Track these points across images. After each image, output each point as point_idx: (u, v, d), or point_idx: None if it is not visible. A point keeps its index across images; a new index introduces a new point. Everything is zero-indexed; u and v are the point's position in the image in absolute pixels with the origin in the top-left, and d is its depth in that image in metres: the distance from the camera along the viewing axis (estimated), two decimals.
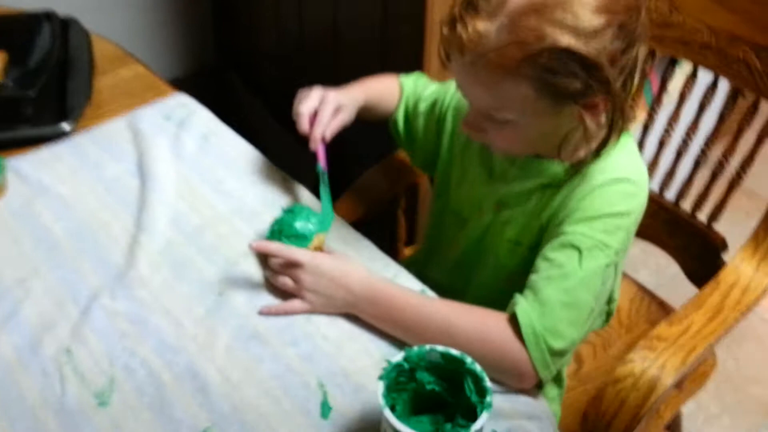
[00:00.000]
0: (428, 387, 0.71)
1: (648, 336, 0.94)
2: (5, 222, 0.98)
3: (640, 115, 1.18)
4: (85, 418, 0.75)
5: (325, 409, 0.76)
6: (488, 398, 0.65)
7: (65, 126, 1.12)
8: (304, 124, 0.94)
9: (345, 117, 0.96)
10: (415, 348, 0.69)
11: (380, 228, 1.13)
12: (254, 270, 0.91)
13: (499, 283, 0.95)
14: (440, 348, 0.69)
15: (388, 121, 1.08)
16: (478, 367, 0.67)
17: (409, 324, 0.82)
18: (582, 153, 0.84)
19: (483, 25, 0.73)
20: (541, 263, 0.81)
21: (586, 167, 0.83)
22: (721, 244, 1.17)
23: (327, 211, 0.94)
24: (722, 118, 1.13)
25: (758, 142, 1.09)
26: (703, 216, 1.19)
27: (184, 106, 1.18)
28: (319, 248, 0.90)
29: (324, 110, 0.94)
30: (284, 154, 1.25)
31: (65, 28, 1.27)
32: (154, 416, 0.76)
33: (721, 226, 1.17)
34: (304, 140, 0.95)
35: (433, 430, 0.71)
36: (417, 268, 1.00)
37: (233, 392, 0.78)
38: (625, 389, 0.89)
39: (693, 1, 1.07)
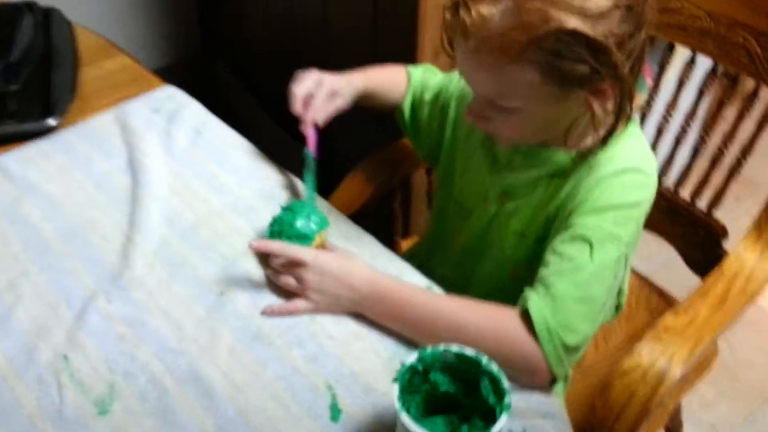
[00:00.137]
0: (442, 388, 0.69)
1: (654, 327, 0.93)
2: None
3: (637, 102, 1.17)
4: (85, 427, 0.72)
5: (335, 411, 0.74)
6: (507, 399, 0.63)
7: (51, 121, 1.08)
8: (297, 106, 0.92)
9: (340, 103, 0.94)
10: (429, 349, 0.67)
11: (374, 221, 1.11)
12: (254, 268, 0.88)
13: (503, 275, 0.93)
14: (455, 348, 0.67)
15: (394, 111, 1.06)
16: (494, 368, 0.66)
17: (417, 322, 0.79)
18: (589, 141, 0.82)
19: (487, 9, 0.71)
20: (551, 257, 0.79)
21: (593, 155, 0.81)
22: (722, 232, 1.17)
23: (310, 197, 0.92)
24: (721, 105, 1.12)
25: (759, 129, 1.08)
26: (702, 204, 1.18)
27: (174, 98, 1.15)
28: (322, 246, 0.87)
29: (319, 94, 0.92)
30: (273, 145, 1.22)
31: (47, 18, 1.23)
32: (157, 423, 0.73)
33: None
34: (295, 130, 0.93)
35: (449, 431, 0.69)
36: (419, 260, 0.98)
37: (238, 396, 0.75)
38: (633, 382, 0.88)
39: None
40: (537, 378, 0.77)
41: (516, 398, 0.75)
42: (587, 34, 0.70)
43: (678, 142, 1.19)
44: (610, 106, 0.78)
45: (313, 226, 0.86)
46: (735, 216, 1.20)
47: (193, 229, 0.94)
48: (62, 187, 0.99)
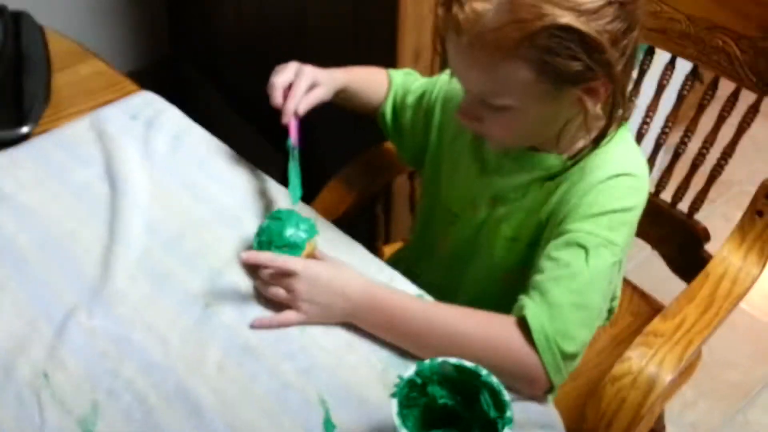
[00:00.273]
0: (441, 401, 0.68)
1: (643, 332, 0.93)
2: None
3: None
4: None
5: (329, 426, 0.72)
6: (509, 413, 0.62)
7: (24, 129, 1.04)
8: (277, 97, 0.90)
9: (321, 93, 0.92)
10: (427, 361, 0.66)
11: (355, 226, 1.09)
12: (241, 279, 0.86)
13: (493, 280, 0.92)
14: (453, 360, 0.66)
15: (375, 114, 1.05)
16: (494, 380, 0.65)
17: (412, 331, 0.78)
18: (581, 144, 0.82)
19: (481, 5, 0.71)
20: (545, 262, 0.78)
21: (584, 157, 0.81)
22: (703, 235, 1.17)
23: (295, 187, 0.90)
24: (701, 108, 1.13)
25: (739, 132, 1.09)
26: (683, 206, 1.19)
27: (151, 104, 1.12)
28: (312, 255, 0.86)
29: (299, 83, 0.90)
30: (247, 147, 1.20)
31: (17, 23, 1.19)
32: None
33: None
34: (269, 132, 0.91)
35: None
36: (404, 266, 0.96)
37: (229, 412, 0.73)
38: (624, 388, 0.88)
39: None
40: (535, 387, 0.76)
41: (514, 409, 0.74)
42: (581, 30, 0.70)
43: (658, 145, 1.19)
44: (602, 106, 0.78)
45: (303, 235, 0.85)
46: (707, 215, 1.20)
47: (177, 239, 0.91)
48: (38, 197, 0.96)
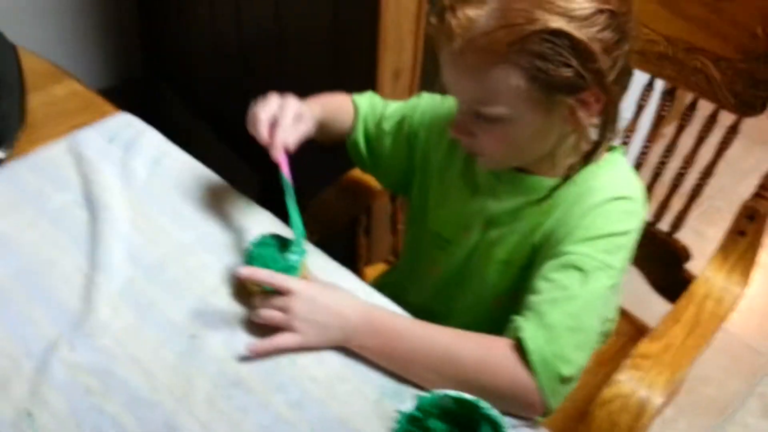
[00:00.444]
0: None
1: (631, 354, 0.93)
2: None
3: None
4: None
5: None
6: None
7: None
8: (263, 132, 0.84)
9: (306, 126, 0.88)
10: (427, 395, 0.65)
11: (335, 249, 1.08)
12: (228, 306, 0.84)
13: (485, 305, 0.92)
14: (453, 393, 0.65)
15: (345, 143, 1.03)
16: (494, 412, 0.64)
17: (410, 353, 0.77)
18: (572, 160, 0.82)
19: (473, 12, 0.72)
20: (541, 283, 0.78)
21: (576, 173, 0.81)
22: (684, 254, 1.18)
23: (298, 226, 0.87)
24: (681, 129, 1.14)
25: (719, 152, 1.10)
26: (664, 225, 1.20)
27: (129, 126, 1.09)
28: (304, 277, 0.84)
29: (285, 116, 0.85)
30: (220, 166, 1.18)
31: None
32: None
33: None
34: (248, 155, 0.88)
35: None
36: (392, 291, 0.95)
37: None
38: (615, 411, 0.88)
39: (648, 10, 1.06)
40: (531, 410, 0.75)
41: None
42: (572, 35, 0.70)
43: (639, 165, 1.20)
44: (595, 119, 0.78)
45: (296, 257, 0.83)
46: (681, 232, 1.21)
47: (159, 267, 0.89)
48: (13, 225, 0.93)
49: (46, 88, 1.15)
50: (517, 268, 0.86)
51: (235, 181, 1.04)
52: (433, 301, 0.97)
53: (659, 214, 1.20)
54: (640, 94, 1.17)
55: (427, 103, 0.99)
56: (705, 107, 1.09)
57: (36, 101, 1.12)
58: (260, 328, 0.81)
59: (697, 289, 1.03)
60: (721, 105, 1.07)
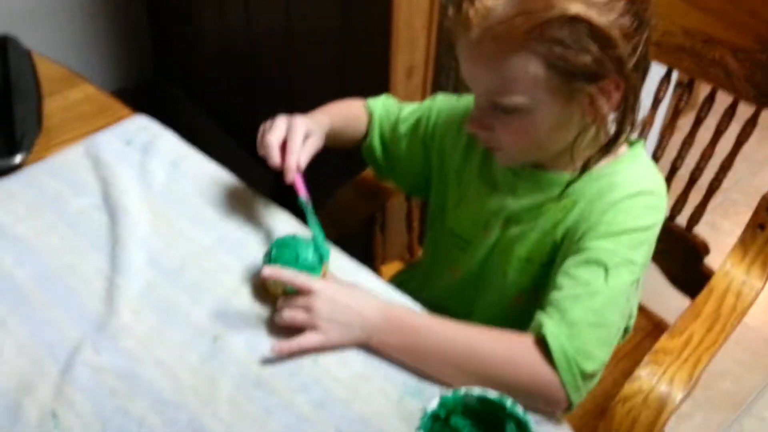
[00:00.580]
0: None
1: (652, 350, 0.93)
2: None
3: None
4: None
5: None
6: None
7: (17, 158, 1.01)
8: (275, 156, 0.86)
9: (316, 142, 0.90)
10: (451, 393, 0.65)
11: (351, 248, 1.08)
12: (249, 308, 0.85)
13: (506, 302, 0.92)
14: (477, 391, 0.65)
15: (360, 148, 1.03)
16: (520, 411, 0.64)
17: (432, 350, 0.77)
18: (590, 152, 0.81)
19: (490, 0, 0.71)
20: (563, 280, 0.78)
21: (595, 163, 0.80)
22: (703, 249, 1.18)
23: (321, 241, 0.88)
24: (699, 120, 1.13)
25: (737, 145, 1.10)
26: (682, 220, 1.19)
27: (146, 129, 1.10)
28: (326, 277, 0.85)
29: (294, 138, 0.87)
30: (233, 166, 1.18)
31: (4, 48, 1.16)
32: None
33: None
34: (255, 146, 0.89)
35: None
36: (411, 290, 0.95)
37: None
38: (635, 407, 0.88)
39: (666, 2, 1.05)
40: (554, 406, 0.75)
41: None
42: (591, 21, 0.70)
43: (656, 158, 1.19)
44: (614, 110, 0.77)
45: (315, 257, 0.84)
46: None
47: (180, 270, 0.89)
48: (33, 229, 0.93)
49: (62, 93, 1.16)
50: (538, 265, 0.86)
51: (247, 179, 1.04)
52: (453, 299, 0.96)
53: (677, 208, 1.19)
54: (657, 86, 1.16)
55: (443, 103, 0.98)
56: (722, 100, 1.09)
57: (52, 106, 1.13)
58: (282, 329, 0.81)
59: (717, 284, 1.02)
60: (739, 96, 1.06)
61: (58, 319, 0.83)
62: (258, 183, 1.10)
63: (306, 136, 0.88)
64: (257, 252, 0.89)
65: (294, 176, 0.86)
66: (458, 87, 0.87)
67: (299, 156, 0.87)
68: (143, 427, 0.73)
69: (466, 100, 0.95)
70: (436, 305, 0.90)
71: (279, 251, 0.84)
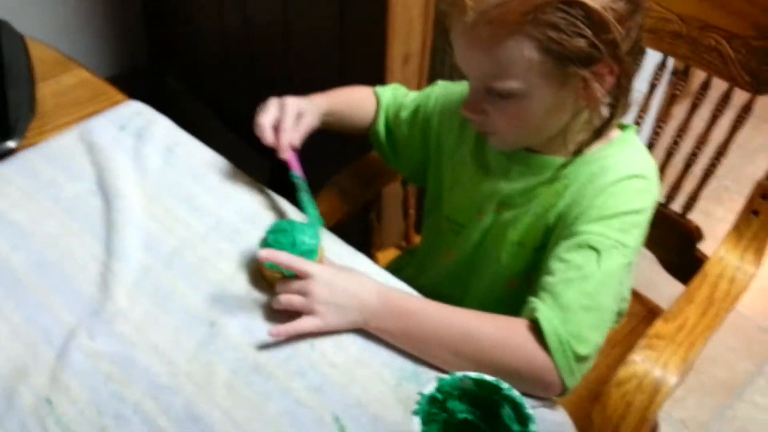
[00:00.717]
0: (460, 416, 0.67)
1: (646, 334, 0.93)
2: None
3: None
4: None
5: None
6: (533, 427, 0.62)
7: (10, 143, 1.01)
8: (268, 136, 0.90)
9: (310, 121, 0.92)
10: (448, 376, 0.65)
11: (347, 234, 1.08)
12: (245, 293, 0.84)
13: (499, 287, 0.92)
14: (473, 375, 0.65)
15: (368, 134, 1.04)
16: (516, 393, 0.64)
17: (428, 333, 0.77)
18: (583, 136, 0.82)
19: None
20: (556, 264, 0.78)
21: (587, 146, 0.81)
22: (697, 234, 1.18)
23: (314, 218, 0.89)
24: (694, 107, 1.14)
25: (732, 132, 1.10)
26: (676, 206, 1.20)
27: (140, 114, 1.09)
28: (321, 261, 0.85)
29: (286, 117, 0.90)
30: (229, 154, 1.18)
31: None
32: None
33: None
34: (254, 141, 0.91)
35: None
36: (407, 275, 0.95)
37: None
38: (630, 392, 0.88)
39: None
40: (549, 390, 0.76)
41: None
42: (585, 4, 0.70)
43: (651, 145, 1.19)
44: (608, 94, 0.77)
45: (313, 241, 0.84)
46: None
47: (176, 255, 0.89)
48: (29, 214, 0.93)
49: (55, 78, 1.15)
50: (531, 250, 0.86)
51: (243, 166, 1.04)
52: (448, 284, 0.97)
53: (671, 195, 1.20)
54: (652, 73, 1.16)
55: (441, 90, 0.99)
56: (717, 87, 1.09)
57: (45, 90, 1.12)
58: (279, 314, 0.81)
59: (710, 269, 1.03)
60: (735, 83, 1.06)
61: (53, 305, 0.83)
62: (254, 171, 1.09)
63: (299, 115, 0.91)
64: (253, 238, 0.89)
65: (287, 154, 0.89)
66: (454, 74, 0.87)
67: (292, 135, 0.89)
68: (138, 413, 0.73)
69: (462, 86, 0.95)
70: (430, 291, 0.90)
71: (276, 236, 0.84)
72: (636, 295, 1.26)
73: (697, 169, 1.15)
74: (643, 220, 0.81)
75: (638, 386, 0.88)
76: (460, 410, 0.67)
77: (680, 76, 1.13)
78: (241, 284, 0.85)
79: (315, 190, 1.13)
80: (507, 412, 0.64)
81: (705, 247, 1.16)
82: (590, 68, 0.74)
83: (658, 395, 0.88)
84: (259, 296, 0.84)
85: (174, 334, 0.80)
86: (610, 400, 0.88)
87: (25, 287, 0.84)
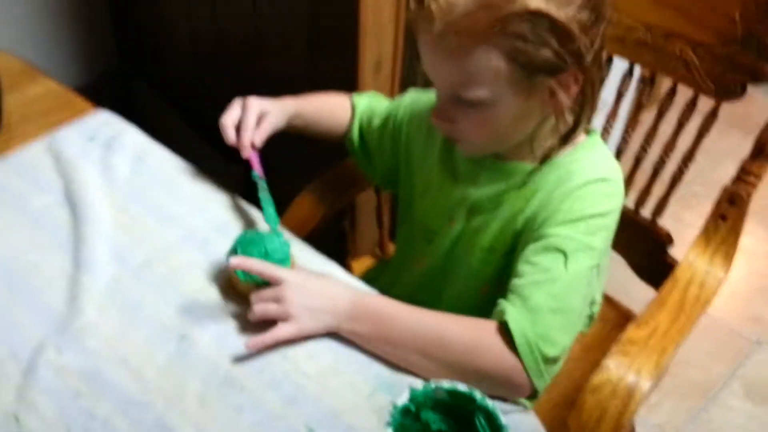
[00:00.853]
0: (434, 427, 0.67)
1: (618, 340, 0.94)
2: None
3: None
4: None
5: None
6: None
7: None
8: (230, 135, 0.91)
9: (273, 121, 0.93)
10: (421, 387, 0.65)
11: (321, 243, 1.08)
12: (216, 304, 0.84)
13: (472, 293, 0.92)
14: (446, 385, 0.65)
15: (335, 140, 1.04)
16: (489, 403, 0.64)
17: (400, 335, 0.78)
18: (550, 142, 0.83)
19: None
20: (524, 267, 0.79)
21: (554, 153, 0.82)
22: (667, 239, 1.19)
23: (272, 217, 0.89)
24: (661, 114, 1.15)
25: (698, 137, 1.11)
26: (646, 212, 1.21)
27: (109, 125, 1.08)
28: (293, 267, 0.85)
29: (248, 117, 0.91)
30: (198, 160, 1.18)
31: None
32: None
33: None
34: (226, 149, 0.91)
35: None
36: (382, 284, 0.95)
37: None
38: (604, 398, 0.88)
39: None
40: (518, 392, 0.77)
41: None
42: (550, 15, 0.71)
43: (620, 152, 1.21)
44: (573, 102, 0.78)
45: (285, 248, 0.84)
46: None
47: (145, 266, 0.88)
48: None
49: (22, 88, 1.14)
50: (500, 255, 0.87)
51: (215, 173, 1.03)
52: (421, 292, 0.97)
53: (641, 200, 1.21)
54: (620, 81, 1.17)
55: (411, 98, 1.00)
56: (684, 93, 1.10)
57: (12, 102, 1.10)
58: (252, 325, 0.80)
59: (680, 275, 1.04)
60: (700, 90, 1.08)
61: (20, 320, 0.81)
62: (226, 177, 1.09)
63: (261, 115, 0.91)
64: (224, 248, 0.88)
65: (248, 153, 0.90)
66: (427, 80, 0.88)
67: (254, 134, 0.90)
68: (108, 429, 0.72)
69: (431, 95, 0.96)
70: (405, 300, 0.89)
71: (245, 248, 0.83)
72: (610, 300, 1.27)
73: (666, 175, 1.16)
74: (610, 222, 0.82)
75: (612, 392, 0.89)
76: (434, 420, 0.67)
77: (647, 83, 1.14)
78: (212, 295, 0.85)
79: (288, 197, 1.13)
80: (480, 421, 0.64)
81: (676, 251, 1.17)
82: (556, 77, 0.75)
83: (632, 401, 0.89)
84: (230, 308, 0.83)
85: (144, 347, 0.79)
86: (584, 406, 0.88)
87: None
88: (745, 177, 1.07)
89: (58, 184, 0.98)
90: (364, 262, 1.30)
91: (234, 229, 0.93)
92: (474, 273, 0.91)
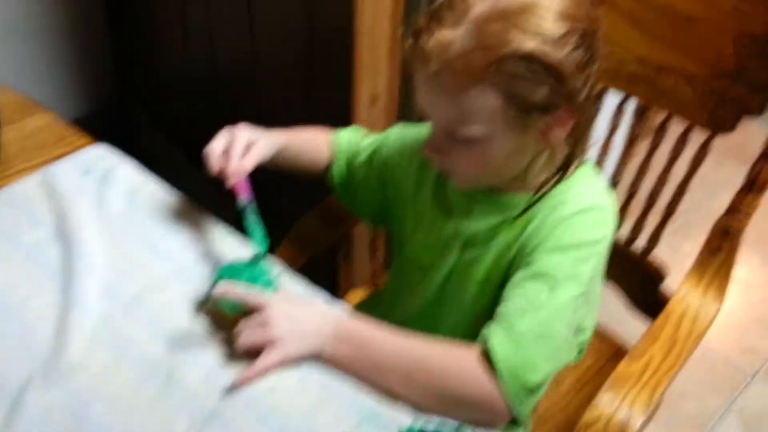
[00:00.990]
0: None
1: (611, 376, 0.93)
2: None
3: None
4: None
5: None
6: None
7: None
8: (214, 164, 0.89)
9: (261, 151, 0.91)
10: (407, 426, 0.65)
11: (315, 277, 1.08)
12: (205, 339, 0.83)
13: (467, 325, 0.92)
14: (433, 425, 0.65)
15: (324, 176, 1.04)
16: None
17: (382, 359, 0.78)
18: (544, 176, 0.83)
19: (448, 33, 0.72)
20: (511, 292, 0.79)
21: (549, 189, 0.82)
22: (659, 274, 1.19)
23: (260, 240, 0.88)
24: (654, 146, 1.15)
25: (692, 169, 1.12)
26: (642, 242, 1.21)
27: (105, 158, 1.09)
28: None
29: (235, 145, 0.89)
30: (196, 192, 1.18)
31: None
32: None
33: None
34: (218, 180, 0.90)
35: None
36: (375, 317, 0.94)
37: None
38: None
39: (620, 31, 1.08)
40: (498, 418, 0.76)
41: None
42: (545, 57, 0.71)
43: (615, 184, 1.21)
44: (567, 136, 0.79)
45: (269, 275, 0.85)
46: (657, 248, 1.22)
47: (135, 302, 0.88)
48: None
49: (20, 121, 1.14)
50: (495, 287, 0.87)
51: (211, 206, 1.04)
52: (415, 325, 0.96)
53: (635, 231, 1.21)
54: (613, 113, 1.18)
55: (397, 134, 1.00)
56: (678, 124, 1.11)
57: (10, 135, 1.11)
58: (239, 359, 0.80)
59: (673, 308, 1.03)
60: (693, 122, 1.08)
61: (8, 355, 0.81)
62: (222, 208, 1.09)
63: (249, 144, 0.90)
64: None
65: (234, 181, 0.88)
66: (423, 114, 0.88)
67: (242, 162, 0.88)
68: None
69: (418, 129, 0.96)
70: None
71: (230, 278, 0.83)
72: (604, 333, 1.26)
73: (661, 206, 1.16)
74: (600, 250, 0.82)
75: (605, 428, 0.88)
76: None
77: (640, 115, 1.15)
78: (200, 330, 0.84)
79: (282, 230, 1.13)
80: None
81: (674, 281, 1.17)
82: (550, 114, 0.76)
83: None
84: (219, 343, 0.83)
85: (132, 384, 0.79)
86: None
87: None
88: (737, 210, 1.08)
89: (50, 218, 0.98)
90: (358, 295, 1.30)
91: (227, 262, 0.93)
92: (469, 305, 0.91)
